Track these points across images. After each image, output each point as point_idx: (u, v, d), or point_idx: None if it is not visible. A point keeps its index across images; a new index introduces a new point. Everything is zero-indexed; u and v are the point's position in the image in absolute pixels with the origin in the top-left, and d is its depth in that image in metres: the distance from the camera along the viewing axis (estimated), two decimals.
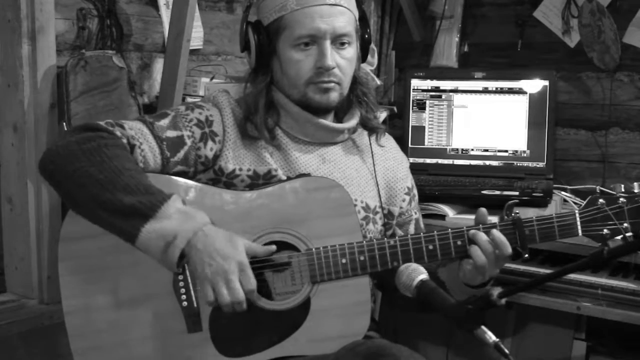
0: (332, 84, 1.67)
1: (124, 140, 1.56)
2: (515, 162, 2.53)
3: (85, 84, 2.06)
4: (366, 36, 1.76)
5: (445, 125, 2.60)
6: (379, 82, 2.71)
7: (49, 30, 2.00)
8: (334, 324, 1.58)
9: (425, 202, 2.30)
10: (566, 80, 2.71)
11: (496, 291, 1.35)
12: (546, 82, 2.52)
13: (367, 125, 1.81)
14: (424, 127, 2.62)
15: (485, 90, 2.58)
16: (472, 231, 1.58)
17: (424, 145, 2.61)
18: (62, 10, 2.11)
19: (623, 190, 1.59)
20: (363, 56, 1.78)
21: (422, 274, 1.45)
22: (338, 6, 1.65)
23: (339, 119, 1.79)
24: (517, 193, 2.29)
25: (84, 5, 2.16)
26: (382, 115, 2.60)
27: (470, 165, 2.57)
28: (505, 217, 1.60)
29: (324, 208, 1.60)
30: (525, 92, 2.54)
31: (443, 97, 2.61)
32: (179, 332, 1.53)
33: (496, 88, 2.57)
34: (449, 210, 2.31)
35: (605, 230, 1.58)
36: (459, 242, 1.59)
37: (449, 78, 2.63)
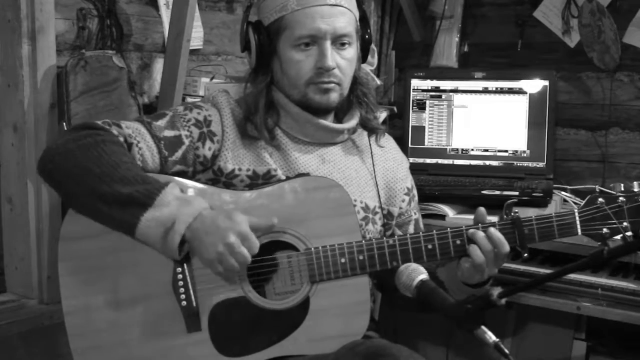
0: (332, 85, 1.67)
1: (121, 139, 1.56)
2: (515, 162, 2.53)
3: (85, 84, 2.06)
4: (366, 36, 1.76)
5: (445, 125, 2.60)
6: (379, 82, 2.71)
7: (49, 30, 2.00)
8: (333, 323, 1.58)
9: (425, 202, 2.30)
10: (566, 80, 2.71)
11: (496, 291, 1.35)
12: (546, 82, 2.52)
13: (367, 125, 1.81)
14: (424, 127, 2.62)
15: (485, 90, 2.58)
16: (471, 230, 1.58)
17: (424, 145, 2.61)
18: (62, 10, 2.11)
19: (622, 189, 1.59)
20: (363, 56, 1.78)
21: (422, 274, 1.45)
22: (338, 6, 1.65)
23: (338, 119, 1.79)
24: (517, 193, 2.29)
25: (84, 5, 2.16)
26: (382, 115, 2.60)
27: (470, 165, 2.57)
28: (505, 216, 1.61)
29: (323, 208, 1.60)
30: (525, 92, 2.54)
31: (443, 97, 2.61)
32: (179, 331, 1.54)
33: (496, 88, 2.57)
34: (448, 210, 2.31)
35: (605, 230, 1.58)
36: (458, 242, 1.59)
37: (449, 78, 2.63)
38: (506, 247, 1.57)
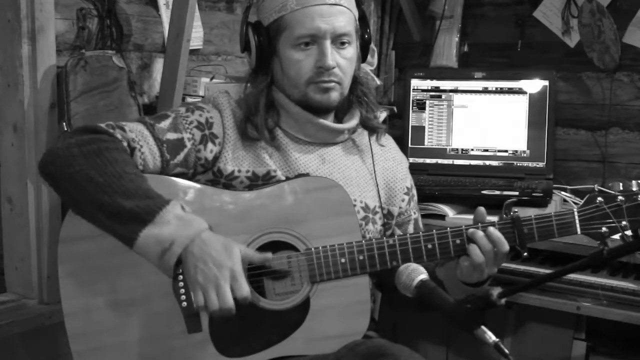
0: (333, 84, 1.67)
1: (125, 144, 1.56)
2: (515, 162, 2.53)
3: (85, 84, 2.06)
4: (366, 36, 1.76)
5: (445, 125, 2.60)
6: (379, 82, 2.71)
7: (49, 30, 2.00)
8: (333, 323, 1.58)
9: (425, 202, 2.30)
10: (566, 80, 2.71)
11: (496, 291, 1.35)
12: (546, 82, 2.52)
13: (367, 125, 1.82)
14: (424, 127, 2.62)
15: (485, 90, 2.58)
16: (471, 230, 1.58)
17: (424, 145, 2.61)
18: (62, 10, 2.11)
19: (621, 188, 1.59)
20: (363, 56, 1.78)
21: (422, 274, 1.45)
22: (338, 6, 1.65)
23: (339, 119, 1.79)
24: (517, 193, 2.29)
25: (84, 5, 2.16)
26: (382, 115, 2.59)
27: (470, 165, 2.57)
28: (504, 215, 1.61)
29: (323, 208, 1.60)
30: (525, 92, 2.54)
31: (443, 97, 2.61)
32: (179, 332, 1.53)
33: (496, 88, 2.57)
34: (448, 210, 2.31)
35: (604, 229, 1.58)
36: (457, 241, 1.59)
37: (449, 78, 2.63)
38: (505, 247, 1.57)
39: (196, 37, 2.43)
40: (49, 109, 2.03)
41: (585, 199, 1.61)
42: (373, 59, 2.76)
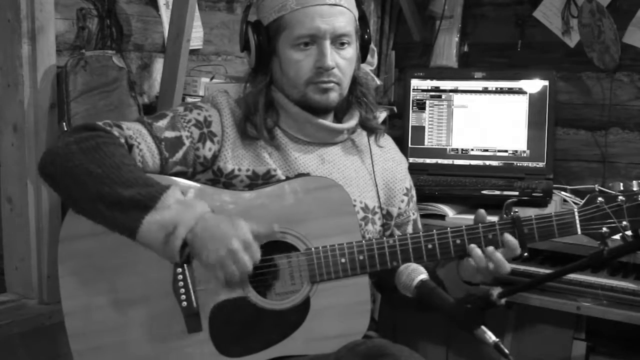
0: (332, 84, 1.67)
1: (122, 140, 1.56)
2: (515, 162, 2.53)
3: (85, 84, 2.06)
4: (366, 36, 1.76)
5: (445, 125, 2.60)
6: (379, 82, 2.71)
7: (49, 30, 2.00)
8: (333, 323, 1.58)
9: (425, 202, 2.30)
10: (566, 80, 2.71)
11: (496, 291, 1.35)
12: (546, 82, 2.52)
13: (366, 125, 1.82)
14: (423, 127, 2.62)
15: (485, 90, 2.58)
16: (471, 246, 1.59)
17: (423, 145, 2.61)
18: (62, 10, 2.11)
19: (622, 188, 1.59)
20: (363, 56, 1.78)
21: (422, 274, 1.45)
22: (338, 6, 1.65)
23: (338, 119, 1.79)
24: (517, 193, 2.29)
25: (84, 5, 2.16)
26: (382, 115, 2.60)
27: (470, 165, 2.57)
28: (505, 216, 1.61)
29: (323, 208, 1.60)
30: (525, 92, 2.54)
31: (443, 97, 2.61)
32: (179, 332, 1.54)
33: (496, 88, 2.57)
34: (448, 210, 2.31)
35: (604, 229, 1.58)
36: (458, 241, 1.60)
37: (449, 78, 2.63)
38: (507, 268, 1.58)
39: (196, 37, 2.43)
40: (49, 109, 2.03)
41: (585, 199, 1.61)
42: (373, 59, 2.76)
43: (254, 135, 1.70)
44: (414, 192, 1.91)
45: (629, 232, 1.57)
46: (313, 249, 1.58)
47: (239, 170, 1.68)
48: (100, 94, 2.10)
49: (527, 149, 2.52)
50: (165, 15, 2.34)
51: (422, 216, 1.96)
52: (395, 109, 2.76)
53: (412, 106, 2.63)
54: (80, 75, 2.05)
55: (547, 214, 1.60)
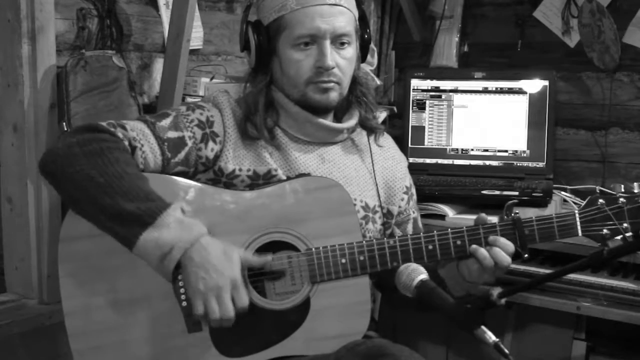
0: (332, 84, 1.67)
1: (126, 142, 1.56)
2: (515, 162, 2.53)
3: (85, 84, 2.06)
4: (366, 36, 1.76)
5: (445, 125, 2.60)
6: (379, 82, 2.71)
7: (49, 30, 2.00)
8: (333, 323, 1.58)
9: (425, 202, 2.30)
10: (566, 80, 2.71)
11: (496, 291, 1.35)
12: (546, 82, 2.52)
13: (366, 125, 1.82)
14: (423, 127, 2.62)
15: (485, 90, 2.58)
16: (473, 246, 1.59)
17: (423, 145, 2.61)
18: (62, 10, 2.11)
19: (623, 190, 1.59)
20: (363, 56, 1.78)
21: (422, 274, 1.45)
22: (338, 6, 1.65)
23: (338, 118, 1.79)
24: (517, 193, 2.29)
25: (84, 5, 2.16)
26: (382, 115, 2.60)
27: (470, 165, 2.57)
28: (505, 217, 1.61)
29: (323, 208, 1.60)
30: (525, 92, 2.54)
31: (443, 97, 2.61)
32: (179, 332, 1.53)
33: (496, 88, 2.57)
34: (448, 210, 2.31)
35: (605, 231, 1.58)
36: (458, 242, 1.60)
37: (449, 78, 2.63)
38: (507, 261, 1.58)
39: (196, 37, 2.43)
40: (49, 109, 2.03)
41: (586, 200, 1.61)
42: (373, 59, 2.76)
43: (255, 135, 1.69)
44: (414, 191, 1.91)
45: (629, 234, 1.57)
46: (313, 249, 1.58)
47: (240, 170, 1.68)
48: (100, 94, 2.10)
49: (527, 149, 2.52)
50: (165, 15, 2.34)
51: (422, 216, 1.96)
52: (395, 109, 2.76)
53: (412, 106, 2.63)
54: (80, 75, 2.05)
55: (547, 216, 1.60)
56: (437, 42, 2.86)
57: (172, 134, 1.63)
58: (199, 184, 1.61)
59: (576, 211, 1.60)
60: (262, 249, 1.57)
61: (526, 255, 1.60)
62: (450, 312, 1.38)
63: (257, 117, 1.69)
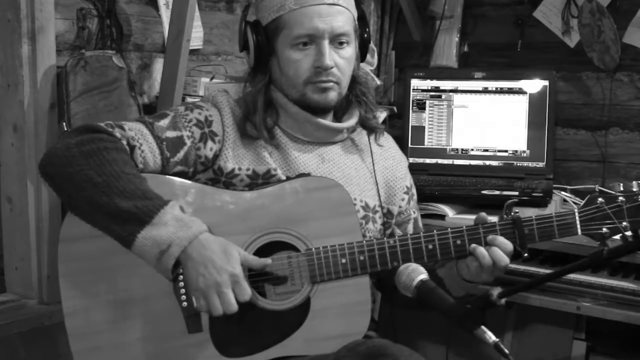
0: (331, 84, 1.67)
1: (124, 142, 1.56)
2: (515, 162, 2.53)
3: (85, 84, 2.06)
4: (365, 36, 1.76)
5: (445, 125, 2.60)
6: (378, 82, 2.71)
7: (49, 30, 2.00)
8: (334, 323, 1.58)
9: (425, 202, 2.30)
10: (566, 80, 2.71)
11: (496, 291, 1.35)
12: (546, 82, 2.52)
13: (366, 124, 1.82)
14: (423, 127, 2.62)
15: (485, 90, 2.58)
16: (472, 245, 1.59)
17: (423, 145, 2.61)
18: (62, 10, 2.11)
19: (622, 189, 1.59)
20: (362, 56, 1.78)
21: (422, 274, 1.45)
22: (336, 6, 1.66)
23: (337, 118, 1.79)
24: (517, 193, 2.29)
25: (84, 5, 2.16)
26: (382, 115, 2.60)
27: (470, 165, 2.57)
28: (505, 216, 1.61)
29: (323, 208, 1.60)
30: (525, 92, 2.54)
31: (443, 97, 2.61)
32: (179, 332, 1.53)
33: (496, 88, 2.57)
34: (448, 210, 2.31)
35: (605, 229, 1.58)
36: (458, 242, 1.60)
37: (449, 78, 2.63)
38: (505, 261, 1.58)
39: (196, 37, 2.43)
40: (49, 109, 2.03)
41: (586, 199, 1.61)
42: (373, 59, 2.76)
43: (254, 134, 1.70)
44: (414, 191, 1.91)
45: (629, 233, 1.57)
46: (313, 249, 1.58)
47: (239, 169, 1.68)
48: (100, 94, 2.10)
49: (527, 149, 2.52)
50: (165, 15, 2.34)
51: (422, 216, 1.96)
52: (395, 109, 2.76)
53: (412, 106, 2.63)
54: (80, 75, 2.05)
55: (547, 215, 1.60)
56: (437, 42, 2.86)
57: (170, 134, 1.63)
58: (198, 184, 1.62)
59: (575, 210, 1.60)
60: (262, 249, 1.57)
61: (526, 255, 1.60)
62: (450, 312, 1.38)
63: (257, 117, 1.69)
